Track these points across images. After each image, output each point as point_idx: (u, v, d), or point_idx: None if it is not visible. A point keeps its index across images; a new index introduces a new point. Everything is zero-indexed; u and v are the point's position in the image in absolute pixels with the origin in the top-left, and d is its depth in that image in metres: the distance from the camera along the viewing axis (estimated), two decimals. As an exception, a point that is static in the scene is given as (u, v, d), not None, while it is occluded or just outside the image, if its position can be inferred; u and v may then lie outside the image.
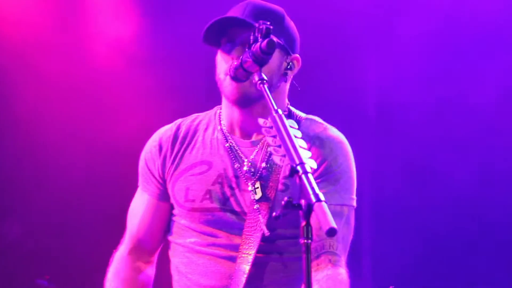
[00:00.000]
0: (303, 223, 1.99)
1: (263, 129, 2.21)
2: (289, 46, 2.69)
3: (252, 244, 2.61)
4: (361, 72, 5.76)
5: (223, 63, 2.65)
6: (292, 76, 2.75)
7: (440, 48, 5.67)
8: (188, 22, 5.21)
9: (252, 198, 2.65)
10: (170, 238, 2.80)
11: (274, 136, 2.17)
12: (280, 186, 2.67)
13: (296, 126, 2.19)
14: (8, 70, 5.42)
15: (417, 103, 5.62)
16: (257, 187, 2.66)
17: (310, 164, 2.06)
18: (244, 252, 2.62)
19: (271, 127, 2.19)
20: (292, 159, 2.08)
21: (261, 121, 2.22)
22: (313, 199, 1.97)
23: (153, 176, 2.78)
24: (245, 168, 2.69)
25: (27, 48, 5.41)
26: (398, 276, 5.59)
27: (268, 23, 2.38)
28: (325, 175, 2.65)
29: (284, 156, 2.11)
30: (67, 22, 5.49)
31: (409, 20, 5.58)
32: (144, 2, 5.60)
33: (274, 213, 2.06)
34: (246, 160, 2.69)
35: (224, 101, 2.75)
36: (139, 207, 2.82)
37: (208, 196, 2.67)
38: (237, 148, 2.72)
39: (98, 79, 5.55)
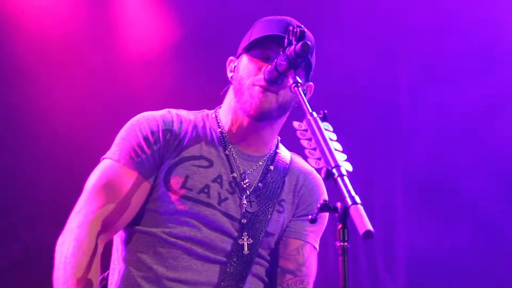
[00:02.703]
0: (339, 226, 1.99)
1: (298, 132, 2.21)
2: (310, 74, 2.71)
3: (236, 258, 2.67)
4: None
5: (251, 69, 2.66)
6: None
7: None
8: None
9: (246, 210, 2.69)
10: (138, 227, 2.69)
11: (309, 139, 2.17)
12: (277, 207, 2.75)
13: (331, 129, 2.18)
14: (38, 68, 5.34)
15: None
16: (253, 201, 2.71)
17: (346, 167, 2.06)
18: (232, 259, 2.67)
19: (306, 130, 2.19)
20: (327, 161, 2.08)
21: (296, 124, 2.22)
22: (349, 202, 1.97)
23: (150, 149, 2.67)
24: (243, 181, 2.73)
25: (55, 44, 5.34)
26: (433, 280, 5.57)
27: (302, 26, 2.38)
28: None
29: (319, 159, 2.11)
30: (98, 18, 5.46)
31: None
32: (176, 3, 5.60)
33: (310, 216, 2.06)
34: (243, 172, 2.74)
35: (231, 106, 2.75)
36: (119, 182, 2.64)
37: (206, 191, 2.68)
38: (236, 157, 2.75)
39: (124, 75, 5.50)
